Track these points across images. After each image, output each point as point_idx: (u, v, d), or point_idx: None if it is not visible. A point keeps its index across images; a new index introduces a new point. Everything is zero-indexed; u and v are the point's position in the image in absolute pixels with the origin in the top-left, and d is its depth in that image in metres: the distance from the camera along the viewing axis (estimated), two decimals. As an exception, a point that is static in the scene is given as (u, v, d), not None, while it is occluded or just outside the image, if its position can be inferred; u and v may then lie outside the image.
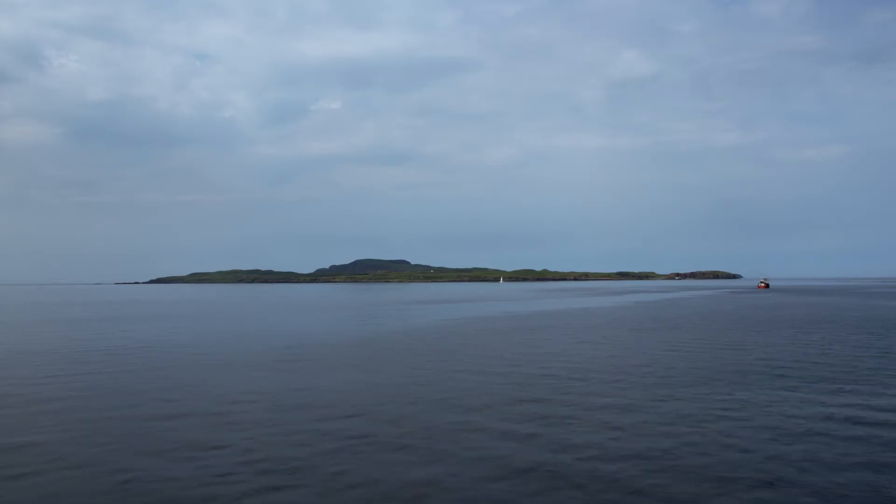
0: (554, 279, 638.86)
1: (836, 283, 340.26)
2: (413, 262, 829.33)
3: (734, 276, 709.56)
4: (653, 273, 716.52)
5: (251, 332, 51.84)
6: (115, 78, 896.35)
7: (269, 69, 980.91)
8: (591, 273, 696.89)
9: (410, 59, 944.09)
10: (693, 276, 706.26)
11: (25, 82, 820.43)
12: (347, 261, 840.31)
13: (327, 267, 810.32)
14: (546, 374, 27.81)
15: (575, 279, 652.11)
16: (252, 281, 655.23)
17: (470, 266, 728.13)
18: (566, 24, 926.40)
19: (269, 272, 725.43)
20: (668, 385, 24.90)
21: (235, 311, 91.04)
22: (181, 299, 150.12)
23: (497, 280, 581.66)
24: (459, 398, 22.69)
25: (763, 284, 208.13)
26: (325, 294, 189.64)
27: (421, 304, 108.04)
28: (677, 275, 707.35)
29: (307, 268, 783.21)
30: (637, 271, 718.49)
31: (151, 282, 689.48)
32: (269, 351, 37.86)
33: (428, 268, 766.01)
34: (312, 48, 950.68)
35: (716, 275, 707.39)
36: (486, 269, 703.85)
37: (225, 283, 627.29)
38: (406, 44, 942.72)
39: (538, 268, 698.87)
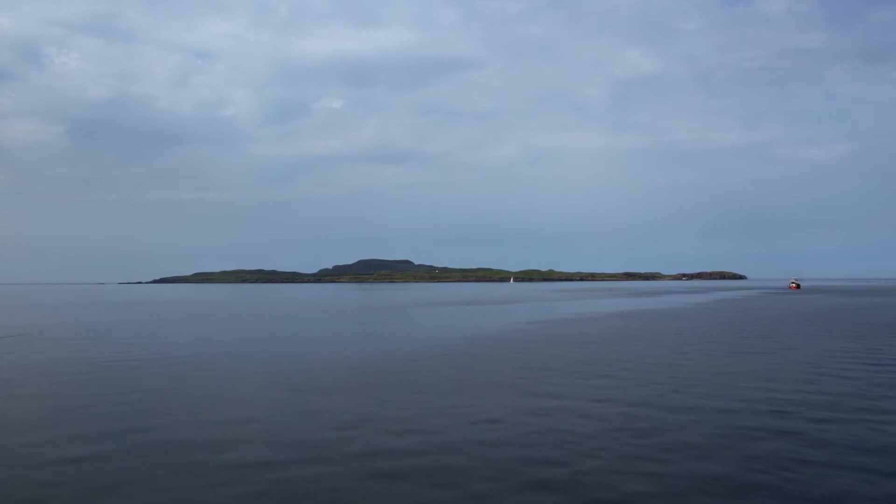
0: (560, 279, 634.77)
1: (850, 283, 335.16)
2: (416, 262, 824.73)
3: (739, 277, 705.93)
4: (658, 273, 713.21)
5: (339, 340, 46.39)
6: (115, 76, 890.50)
7: (271, 67, 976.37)
8: (598, 273, 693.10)
9: (412, 57, 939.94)
10: (700, 276, 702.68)
11: (26, 80, 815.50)
12: (350, 261, 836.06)
13: (330, 267, 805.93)
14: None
15: (581, 279, 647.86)
16: (256, 281, 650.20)
17: (474, 266, 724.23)
18: (569, 22, 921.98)
19: (273, 272, 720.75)
20: None
21: (268, 313, 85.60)
22: (195, 300, 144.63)
23: (508, 280, 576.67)
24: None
25: (794, 285, 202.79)
26: (339, 295, 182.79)
27: (456, 305, 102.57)
28: (684, 275, 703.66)
29: (310, 268, 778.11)
30: (643, 272, 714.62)
31: (155, 282, 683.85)
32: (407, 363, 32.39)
33: (432, 268, 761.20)
34: (314, 46, 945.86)
35: (722, 275, 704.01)
36: (490, 270, 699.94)
37: (229, 283, 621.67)
38: (408, 42, 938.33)
39: (542, 268, 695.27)
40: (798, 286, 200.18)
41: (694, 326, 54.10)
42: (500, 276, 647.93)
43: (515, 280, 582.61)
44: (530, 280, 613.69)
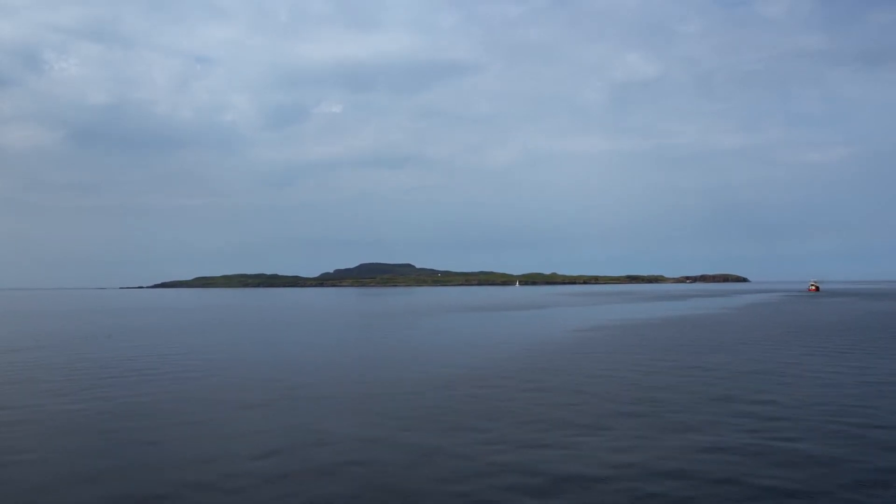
0: (564, 283, 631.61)
1: (860, 286, 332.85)
2: (418, 266, 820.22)
3: (743, 280, 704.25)
4: (662, 276, 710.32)
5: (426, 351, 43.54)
6: (115, 81, 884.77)
7: (270, 72, 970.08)
8: (601, 277, 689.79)
9: (412, 61, 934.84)
10: (703, 279, 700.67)
11: (25, 85, 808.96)
12: (352, 264, 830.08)
13: (332, 271, 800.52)
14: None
15: (585, 282, 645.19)
16: (258, 285, 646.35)
17: (476, 270, 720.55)
18: (569, 26, 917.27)
19: (275, 276, 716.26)
20: None
21: (281, 319, 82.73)
22: (203, 305, 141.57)
23: (513, 284, 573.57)
24: None
25: (813, 287, 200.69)
26: (345, 300, 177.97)
27: (477, 311, 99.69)
28: (687, 278, 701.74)
29: (312, 271, 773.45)
30: (646, 275, 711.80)
31: (156, 286, 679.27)
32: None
33: (434, 271, 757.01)
34: (314, 50, 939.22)
35: (725, 278, 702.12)
36: (492, 273, 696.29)
37: (231, 287, 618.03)
38: (408, 46, 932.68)
39: (543, 271, 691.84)
40: (817, 289, 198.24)
41: (772, 334, 51.34)
42: (503, 280, 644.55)
43: (521, 283, 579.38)
44: (533, 283, 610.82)
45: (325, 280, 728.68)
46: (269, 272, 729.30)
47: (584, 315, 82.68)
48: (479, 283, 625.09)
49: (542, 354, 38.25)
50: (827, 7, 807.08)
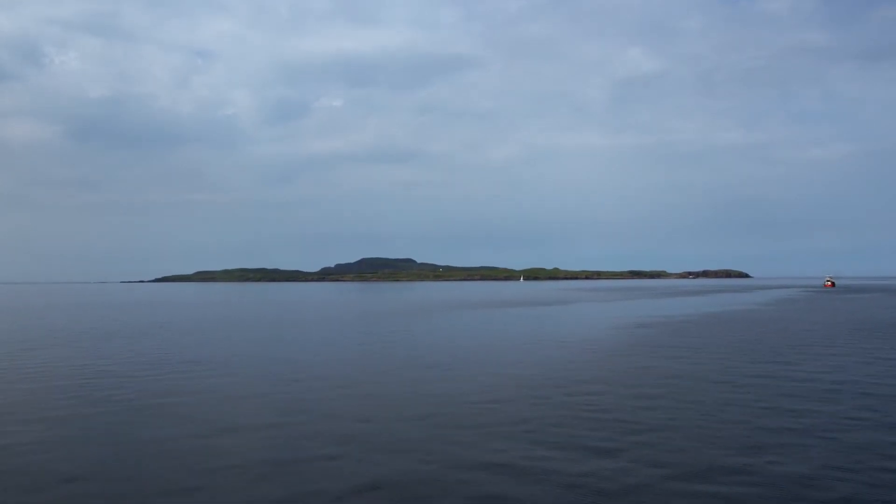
0: (566, 278, 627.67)
1: (869, 281, 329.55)
2: (419, 261, 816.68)
3: (745, 275, 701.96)
4: (664, 272, 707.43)
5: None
6: (115, 76, 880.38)
7: (271, 66, 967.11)
8: (603, 272, 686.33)
9: (413, 56, 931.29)
10: (705, 274, 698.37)
11: (25, 80, 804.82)
12: (353, 259, 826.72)
13: (333, 266, 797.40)
14: None
15: (587, 277, 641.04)
16: (259, 280, 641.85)
17: (476, 265, 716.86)
18: (570, 21, 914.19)
19: (276, 271, 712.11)
20: None
21: (299, 317, 78.70)
22: (207, 301, 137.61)
23: (518, 279, 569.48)
24: None
25: (829, 283, 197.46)
26: (353, 296, 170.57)
27: (496, 307, 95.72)
28: (690, 273, 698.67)
29: (312, 266, 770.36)
30: (648, 270, 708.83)
31: (156, 280, 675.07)
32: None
33: (435, 266, 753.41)
34: (314, 45, 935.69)
35: (728, 273, 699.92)
36: (494, 268, 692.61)
37: (231, 281, 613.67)
38: (409, 41, 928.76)
39: (545, 266, 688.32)
40: (833, 284, 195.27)
41: (853, 334, 47.19)
42: (506, 275, 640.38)
43: (525, 279, 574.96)
44: (535, 279, 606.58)
45: (325, 275, 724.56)
46: (269, 267, 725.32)
47: (612, 311, 78.53)
48: (482, 279, 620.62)
49: (604, 356, 34.07)
50: (829, 4, 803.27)
